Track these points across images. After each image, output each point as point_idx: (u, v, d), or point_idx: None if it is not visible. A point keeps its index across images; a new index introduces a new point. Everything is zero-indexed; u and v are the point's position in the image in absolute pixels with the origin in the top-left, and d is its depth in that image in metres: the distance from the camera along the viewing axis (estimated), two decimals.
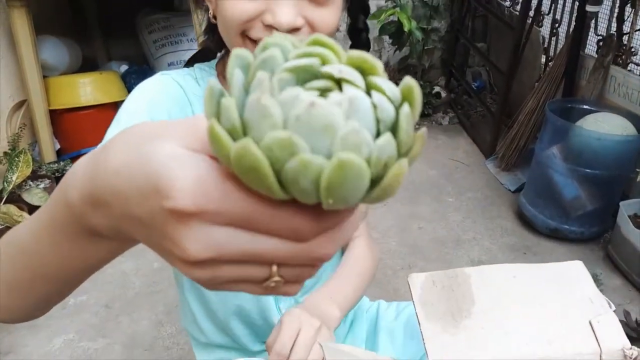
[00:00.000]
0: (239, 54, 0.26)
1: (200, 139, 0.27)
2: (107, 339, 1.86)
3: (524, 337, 0.70)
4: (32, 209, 2.20)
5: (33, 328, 1.88)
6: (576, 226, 2.27)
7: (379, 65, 0.26)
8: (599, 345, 0.70)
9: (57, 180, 2.53)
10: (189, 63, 0.86)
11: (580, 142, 2.18)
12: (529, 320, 0.73)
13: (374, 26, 3.23)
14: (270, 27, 0.67)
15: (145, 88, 0.76)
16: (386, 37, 3.21)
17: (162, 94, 0.75)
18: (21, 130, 2.51)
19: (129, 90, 2.92)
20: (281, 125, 0.23)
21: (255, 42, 0.70)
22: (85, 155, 0.33)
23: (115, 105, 2.77)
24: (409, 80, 0.26)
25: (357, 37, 0.84)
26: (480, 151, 3.07)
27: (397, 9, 2.91)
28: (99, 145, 0.69)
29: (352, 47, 0.86)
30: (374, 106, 0.25)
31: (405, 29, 2.86)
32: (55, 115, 2.66)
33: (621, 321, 1.90)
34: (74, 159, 2.73)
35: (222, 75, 0.82)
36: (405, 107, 0.25)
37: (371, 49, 3.52)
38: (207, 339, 0.96)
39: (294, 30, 0.68)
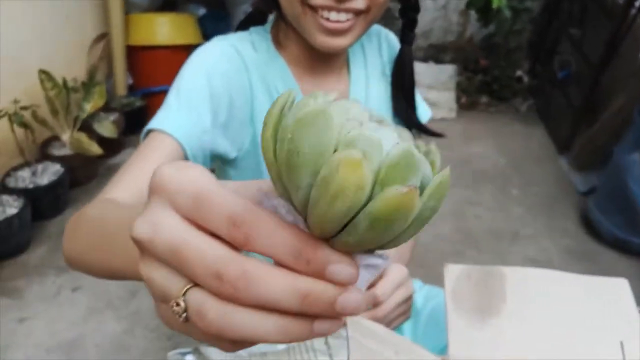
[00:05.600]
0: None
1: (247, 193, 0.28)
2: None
3: (548, 344, 0.69)
4: (101, 139, 2.28)
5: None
6: None
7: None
8: None
9: (126, 114, 2.60)
10: (243, 25, 0.86)
11: None
12: (557, 329, 0.71)
13: None
14: None
15: (204, 56, 0.76)
16: (473, 12, 3.04)
17: (220, 63, 0.75)
18: (99, 63, 2.59)
19: (204, 35, 2.94)
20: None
21: (314, 9, 0.70)
22: None
23: (189, 48, 2.79)
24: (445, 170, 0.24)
25: (406, 1, 0.84)
26: (555, 145, 2.91)
27: None
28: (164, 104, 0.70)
29: (400, 10, 0.84)
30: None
31: (494, 6, 2.70)
32: (132, 51, 2.71)
33: None
34: (143, 95, 2.79)
35: (276, 40, 0.82)
36: (411, 146, 0.22)
37: (455, 23, 3.37)
38: None
39: None
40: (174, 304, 0.25)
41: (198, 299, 0.24)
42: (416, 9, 0.84)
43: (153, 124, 0.68)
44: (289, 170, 0.22)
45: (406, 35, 0.86)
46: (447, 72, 3.26)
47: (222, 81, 0.74)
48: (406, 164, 0.21)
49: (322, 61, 0.83)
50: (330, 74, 0.85)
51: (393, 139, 0.23)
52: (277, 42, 0.82)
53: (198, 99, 0.71)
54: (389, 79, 0.91)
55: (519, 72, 3.31)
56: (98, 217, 0.51)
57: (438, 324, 0.94)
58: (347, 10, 0.69)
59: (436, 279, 1.97)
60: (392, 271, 0.75)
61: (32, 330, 1.69)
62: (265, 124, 0.25)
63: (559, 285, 0.72)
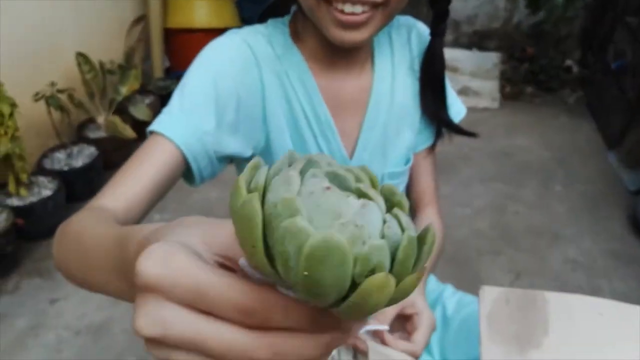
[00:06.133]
0: (290, 154, 0.28)
1: (218, 241, 0.28)
2: None
3: None
4: (135, 122, 2.28)
5: None
6: None
7: (405, 203, 0.27)
8: None
9: (162, 97, 2.60)
10: (263, 17, 0.82)
11: None
12: None
13: None
14: None
15: (213, 55, 0.73)
16: None
17: (229, 63, 0.72)
18: (137, 45, 2.58)
19: (242, 18, 2.91)
20: (295, 193, 0.24)
21: (328, 1, 0.65)
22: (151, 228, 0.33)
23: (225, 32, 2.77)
24: (430, 229, 0.26)
25: None
26: (604, 140, 2.76)
27: None
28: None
29: (430, 1, 0.78)
30: (384, 222, 0.25)
31: None
32: (169, 34, 2.70)
33: None
34: (180, 79, 2.78)
35: (294, 33, 0.78)
36: (410, 234, 0.24)
37: (502, 8, 3.23)
38: None
39: None
40: None
41: None
42: None
43: (154, 125, 0.67)
44: (309, 294, 0.23)
45: (436, 27, 0.80)
46: (491, 59, 3.14)
47: (230, 82, 0.71)
48: (409, 255, 0.24)
49: (341, 56, 0.77)
50: (352, 69, 0.80)
51: (379, 218, 0.25)
52: (296, 36, 0.78)
53: (201, 101, 0.69)
54: (417, 74, 0.85)
55: (568, 62, 3.15)
56: (79, 233, 0.49)
57: (469, 334, 0.89)
58: (362, 3, 0.64)
59: (470, 277, 1.91)
60: (423, 319, 0.73)
61: (62, 312, 1.71)
62: (251, 245, 0.24)
63: (608, 316, 0.65)
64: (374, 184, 0.28)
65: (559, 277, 1.95)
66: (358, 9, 0.65)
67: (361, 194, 0.26)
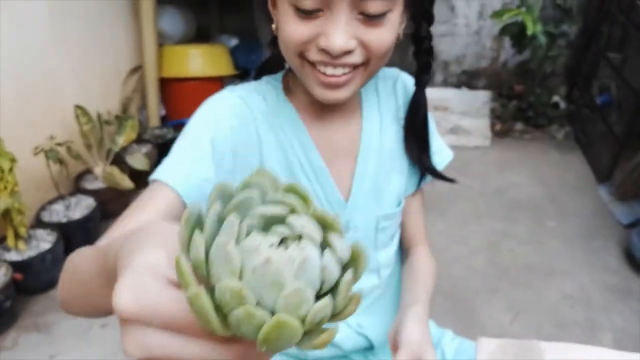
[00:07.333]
0: (221, 187, 0.31)
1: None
2: None
3: None
4: (133, 172, 2.31)
5: None
6: None
7: (337, 224, 0.30)
8: None
9: (159, 146, 2.64)
10: (258, 74, 0.88)
11: None
12: None
13: (495, 24, 3.03)
14: (324, 51, 0.68)
15: (212, 108, 0.79)
16: (507, 38, 2.99)
17: (227, 116, 0.78)
18: (133, 95, 2.64)
19: (236, 66, 2.98)
20: (238, 272, 0.27)
21: (312, 64, 0.70)
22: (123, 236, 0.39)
23: (221, 80, 2.84)
24: (358, 248, 0.30)
25: (420, 45, 0.83)
26: (594, 174, 2.81)
27: (523, 9, 2.69)
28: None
29: (414, 53, 0.83)
30: (323, 268, 0.29)
31: (529, 32, 2.64)
32: (165, 83, 2.76)
33: None
34: (176, 127, 2.83)
35: (286, 87, 0.84)
36: (348, 275, 0.29)
37: (489, 48, 3.32)
38: None
39: (346, 52, 0.68)
40: None
41: None
42: (430, 52, 0.83)
43: (156, 174, 0.71)
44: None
45: (420, 78, 0.86)
46: (480, 98, 3.21)
47: (227, 133, 0.76)
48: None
49: (330, 109, 0.83)
50: (341, 119, 0.85)
51: (317, 264, 0.29)
52: (287, 89, 0.84)
53: (200, 150, 0.73)
54: (402, 122, 0.90)
55: (555, 98, 3.22)
56: (73, 261, 0.54)
57: None
58: (343, 65, 0.70)
59: (468, 316, 1.92)
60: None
61: None
62: (208, 330, 0.27)
63: None
64: (306, 202, 0.31)
65: (556, 314, 1.96)
66: (339, 70, 0.70)
67: (296, 237, 0.29)
